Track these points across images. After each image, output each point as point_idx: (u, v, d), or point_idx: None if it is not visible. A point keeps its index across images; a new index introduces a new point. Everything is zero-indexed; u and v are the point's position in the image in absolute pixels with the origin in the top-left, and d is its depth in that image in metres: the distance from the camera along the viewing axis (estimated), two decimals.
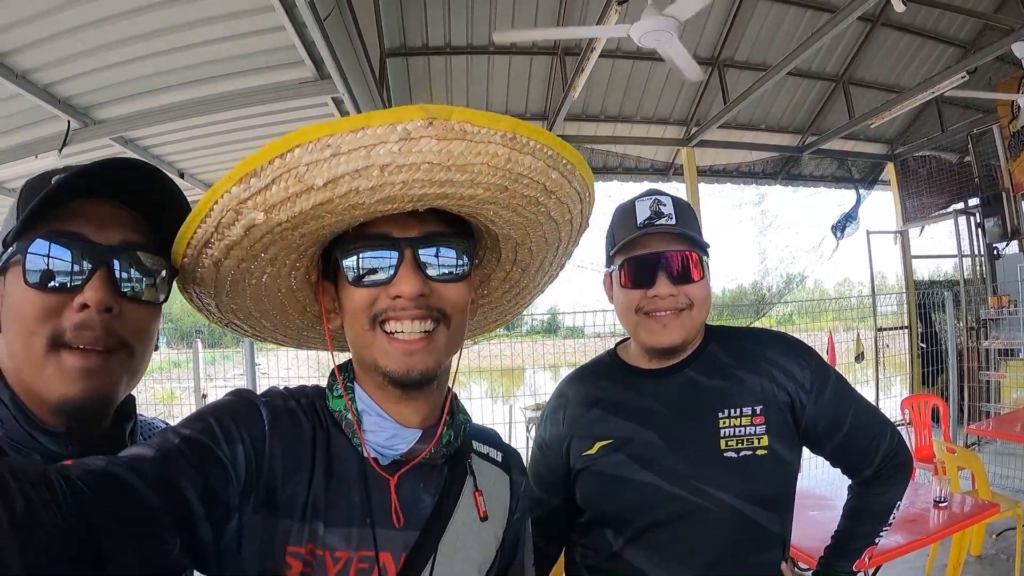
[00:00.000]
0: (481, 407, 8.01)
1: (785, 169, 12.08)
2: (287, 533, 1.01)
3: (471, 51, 8.16)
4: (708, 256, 1.75)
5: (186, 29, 4.56)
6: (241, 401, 1.08)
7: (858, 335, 10.98)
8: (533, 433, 7.74)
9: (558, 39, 6.99)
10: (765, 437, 1.67)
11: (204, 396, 8.66)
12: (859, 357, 10.74)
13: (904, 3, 5.89)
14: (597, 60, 6.62)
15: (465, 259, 1.10)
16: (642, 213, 1.71)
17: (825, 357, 10.06)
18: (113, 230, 1.06)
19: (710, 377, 1.76)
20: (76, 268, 1.02)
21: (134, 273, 1.07)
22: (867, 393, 10.09)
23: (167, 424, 1.14)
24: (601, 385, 1.86)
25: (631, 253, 1.70)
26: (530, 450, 1.97)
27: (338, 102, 5.68)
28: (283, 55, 4.93)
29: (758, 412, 1.70)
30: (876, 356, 10.79)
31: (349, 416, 1.12)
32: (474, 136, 0.84)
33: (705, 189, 11.26)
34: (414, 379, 1.06)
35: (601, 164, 10.68)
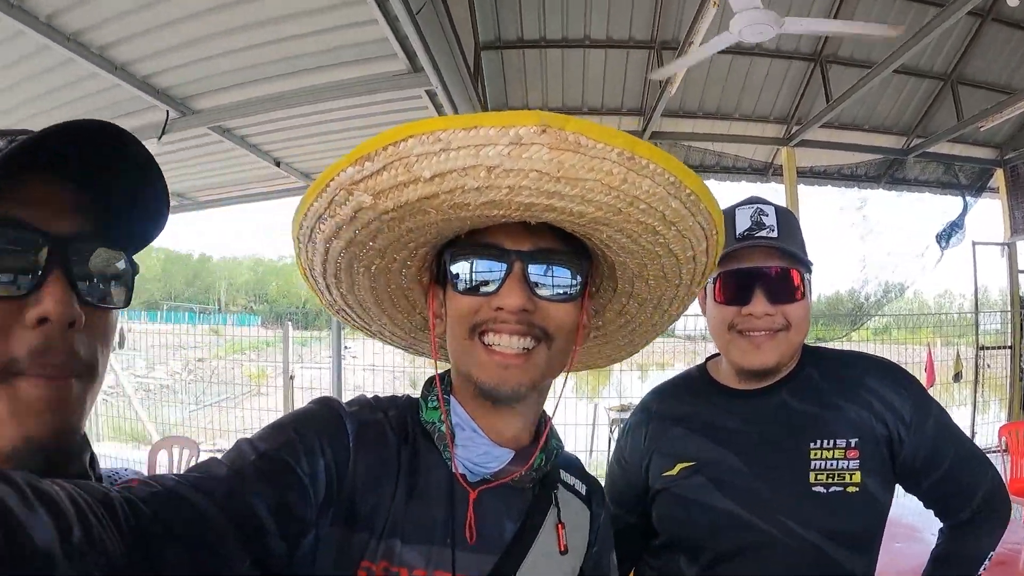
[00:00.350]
0: (564, 406, 7.90)
1: (889, 172, 11.40)
2: (363, 548, 1.00)
3: (566, 44, 8.07)
4: (811, 274, 1.64)
5: (280, 22, 4.66)
6: (326, 412, 1.07)
7: (958, 353, 10.47)
8: (616, 435, 7.69)
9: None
10: (858, 473, 1.56)
11: (292, 377, 8.83)
12: (957, 376, 10.25)
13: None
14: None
15: (577, 280, 1.07)
16: (742, 223, 1.62)
17: (923, 374, 9.73)
18: (68, 217, 0.83)
19: (804, 402, 1.65)
20: (23, 266, 0.78)
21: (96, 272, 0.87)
22: (963, 415, 9.68)
23: (137, 473, 1.02)
24: (687, 402, 1.78)
25: (727, 267, 1.61)
26: (608, 462, 1.88)
27: (432, 95, 5.70)
28: (376, 48, 4.96)
29: (852, 445, 1.58)
30: (975, 376, 10.25)
31: (443, 428, 1.11)
32: (588, 150, 0.81)
33: (804, 191, 10.90)
34: (504, 394, 1.05)
35: (698, 162, 10.41)
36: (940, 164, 11.42)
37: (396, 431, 1.11)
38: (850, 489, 1.55)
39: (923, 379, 9.58)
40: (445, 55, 5.05)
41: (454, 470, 1.09)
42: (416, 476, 1.09)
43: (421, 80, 5.22)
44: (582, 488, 1.31)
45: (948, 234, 11.30)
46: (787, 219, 1.64)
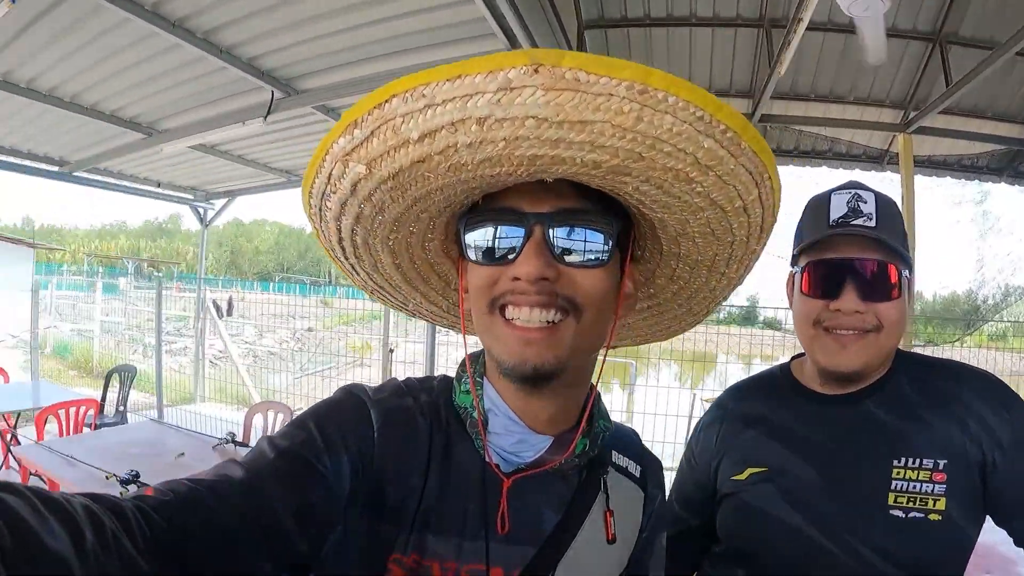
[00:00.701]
0: (668, 396, 7.74)
1: (1013, 165, 10.66)
2: (392, 541, 0.98)
3: (671, 22, 7.83)
4: (910, 271, 1.51)
5: (379, 3, 4.79)
6: (349, 403, 1.04)
7: None
8: None
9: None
10: (943, 499, 1.41)
11: (391, 350, 8.97)
12: None
13: None
14: (806, 34, 6.16)
15: (608, 243, 0.97)
16: (837, 209, 1.49)
17: None
18: None
19: (891, 414, 1.52)
20: None
21: None
22: None
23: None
24: (765, 403, 1.69)
25: (817, 256, 1.50)
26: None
27: None
28: (474, 27, 5.00)
29: (940, 467, 1.43)
30: None
31: (475, 415, 1.05)
32: (590, 87, 0.72)
33: (921, 182, 10.29)
34: (527, 373, 0.96)
35: (810, 148, 10.02)
36: None
37: (428, 417, 1.07)
38: (932, 516, 1.41)
39: None
40: (546, 34, 5.04)
41: (487, 459, 1.04)
42: (449, 464, 1.04)
43: None
44: (636, 469, 1.24)
45: None
46: (888, 208, 1.51)
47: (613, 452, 1.21)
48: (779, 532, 1.50)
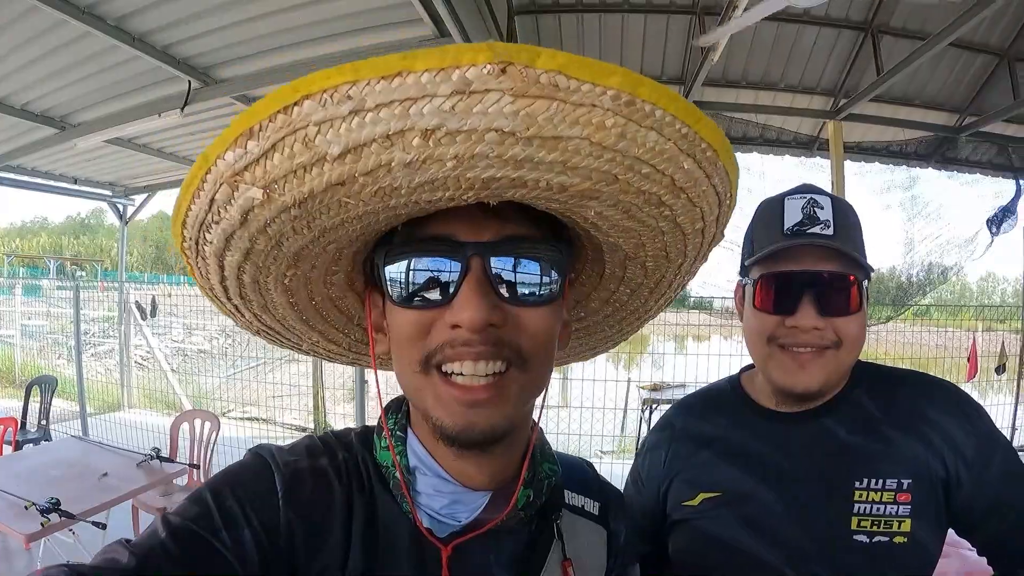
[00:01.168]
0: (604, 386, 7.68)
1: (939, 151, 10.99)
2: None
3: (604, 8, 7.78)
4: (870, 281, 1.41)
5: None
6: (252, 469, 0.89)
7: (1003, 344, 10.11)
8: (647, 416, 7.51)
9: None
10: (908, 520, 1.34)
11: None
12: (1000, 369, 9.88)
13: None
14: (740, 21, 6.10)
15: (556, 276, 0.83)
16: (791, 216, 1.38)
17: (966, 364, 9.58)
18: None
19: (852, 432, 1.43)
20: None
21: None
22: (1004, 410, 9.37)
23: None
24: (716, 422, 1.58)
25: (771, 268, 1.39)
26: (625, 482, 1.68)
27: None
28: (400, 12, 4.85)
29: (905, 487, 1.36)
30: (1020, 367, 9.93)
31: (397, 475, 0.90)
32: (570, 95, 0.57)
33: (851, 168, 10.56)
34: (475, 439, 0.82)
35: (741, 134, 10.13)
36: (994, 144, 10.98)
37: (347, 478, 0.92)
38: (897, 539, 1.34)
39: (965, 369, 9.32)
40: (475, 20, 4.92)
41: (417, 524, 0.89)
42: (374, 532, 0.89)
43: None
44: (594, 506, 1.11)
45: (1000, 219, 10.95)
46: (845, 213, 1.41)
47: (566, 492, 1.08)
48: (737, 560, 1.40)
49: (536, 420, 1.00)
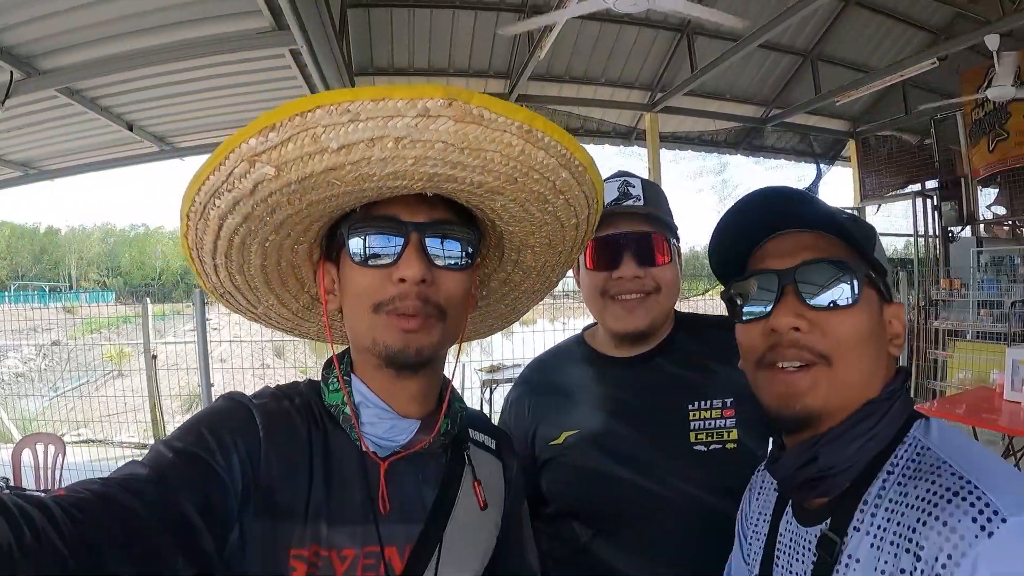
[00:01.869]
0: (447, 369, 7.79)
1: (747, 140, 12.19)
2: (289, 536, 1.01)
3: (436, 4, 7.96)
4: (678, 240, 1.70)
5: None
6: (233, 407, 1.07)
7: None
8: (488, 396, 7.73)
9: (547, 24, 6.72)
10: (735, 431, 1.62)
11: (154, 356, 8.43)
12: None
13: None
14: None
15: (469, 250, 1.10)
16: (610, 194, 1.65)
17: None
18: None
19: (680, 367, 1.70)
20: None
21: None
22: None
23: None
24: (567, 372, 1.81)
25: (598, 234, 1.58)
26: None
27: (296, 55, 5.56)
28: (238, 3, 4.76)
29: (728, 404, 1.64)
30: None
31: (347, 410, 1.11)
32: (491, 123, 0.86)
33: (667, 155, 11.36)
34: (410, 357, 1.05)
35: (563, 125, 10.35)
36: (796, 133, 12.40)
37: (303, 417, 1.11)
38: (728, 446, 1.61)
39: None
40: (311, 12, 4.86)
41: (364, 448, 1.10)
42: (329, 458, 1.09)
43: (286, 39, 5.07)
44: (491, 443, 1.34)
45: None
46: (653, 190, 1.70)
47: (470, 430, 1.30)
48: (603, 483, 1.62)
49: (450, 378, 1.26)
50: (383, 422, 1.12)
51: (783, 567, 1.12)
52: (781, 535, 1.15)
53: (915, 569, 0.83)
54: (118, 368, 12.42)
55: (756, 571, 1.20)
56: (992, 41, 7.34)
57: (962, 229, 11.40)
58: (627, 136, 11.18)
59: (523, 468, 1.59)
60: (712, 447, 1.61)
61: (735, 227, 1.14)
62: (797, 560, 1.08)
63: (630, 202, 1.64)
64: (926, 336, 10.23)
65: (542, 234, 1.15)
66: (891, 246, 14.95)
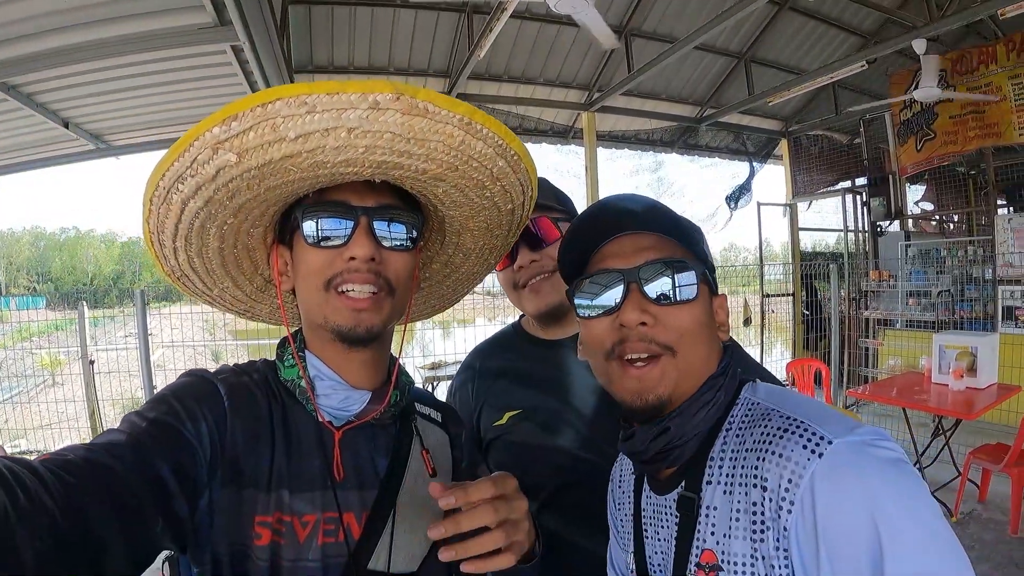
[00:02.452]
0: None
1: (683, 139, 12.51)
2: (254, 504, 1.07)
3: (377, 3, 7.98)
4: (567, 219, 1.81)
5: None
6: (199, 381, 1.14)
7: (746, 300, 11.55)
8: (431, 391, 7.81)
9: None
10: None
11: (92, 362, 8.22)
12: (747, 321, 11.33)
13: None
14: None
15: (414, 233, 1.19)
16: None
17: None
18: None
19: None
20: None
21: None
22: (752, 353, 10.70)
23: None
24: (506, 357, 1.95)
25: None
26: None
27: (238, 51, 5.49)
28: None
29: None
30: (762, 321, 11.39)
31: (303, 384, 1.19)
32: (435, 116, 0.95)
33: (603, 154, 11.57)
34: (360, 334, 1.15)
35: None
36: (730, 133, 12.85)
37: (263, 391, 1.19)
38: None
39: None
40: (254, 8, 4.86)
41: (320, 419, 1.18)
42: (288, 429, 1.17)
43: (228, 34, 5.00)
44: (437, 416, 1.44)
45: (737, 196, 12.68)
46: (541, 183, 1.81)
47: (416, 404, 1.40)
48: (545, 457, 1.74)
49: (399, 353, 1.37)
50: (337, 393, 1.20)
51: (651, 536, 1.22)
52: (644, 509, 1.26)
53: (763, 499, 0.95)
54: (52, 376, 11.99)
55: (631, 549, 1.29)
56: (919, 45, 7.91)
57: (890, 224, 11.91)
58: (564, 135, 11.31)
59: (471, 436, 1.70)
60: None
61: (583, 231, 1.22)
62: (663, 527, 1.18)
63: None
64: (857, 325, 10.76)
65: (480, 218, 1.26)
66: (823, 241, 15.43)
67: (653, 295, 1.12)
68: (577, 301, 1.20)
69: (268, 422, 1.15)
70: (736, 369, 1.18)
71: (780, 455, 0.95)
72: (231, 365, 1.24)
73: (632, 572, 1.27)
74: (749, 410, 1.10)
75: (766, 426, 1.01)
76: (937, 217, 13.05)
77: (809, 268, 11.97)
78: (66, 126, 7.18)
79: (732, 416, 1.11)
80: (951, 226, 13.43)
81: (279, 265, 1.23)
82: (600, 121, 10.94)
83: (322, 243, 1.12)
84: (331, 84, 0.88)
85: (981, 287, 9.75)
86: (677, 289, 1.12)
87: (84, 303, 8.55)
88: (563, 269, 1.28)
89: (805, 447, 0.93)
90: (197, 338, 9.60)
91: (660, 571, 1.18)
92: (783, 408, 1.03)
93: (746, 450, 1.02)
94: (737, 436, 1.07)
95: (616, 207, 1.20)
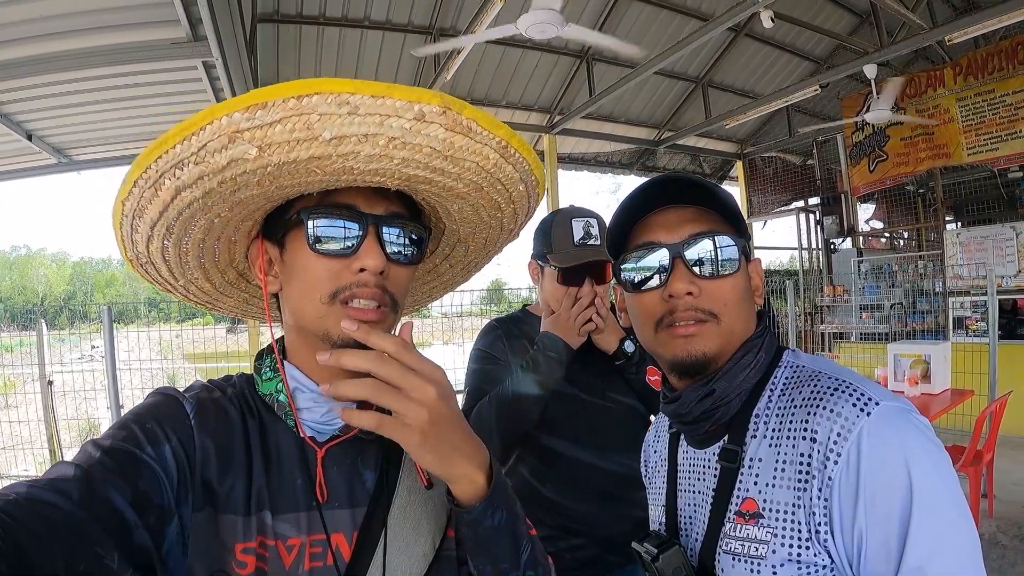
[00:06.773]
0: None
1: (641, 161, 12.85)
2: (233, 529, 1.00)
3: (346, 23, 8.05)
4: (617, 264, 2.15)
5: None
6: (163, 400, 1.06)
7: None
8: None
9: (459, 47, 6.90)
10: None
11: (50, 382, 7.95)
12: None
13: (772, 20, 6.49)
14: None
15: (420, 246, 1.10)
16: (577, 232, 2.22)
17: None
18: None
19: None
20: None
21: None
22: None
23: None
24: (523, 329, 2.39)
25: (569, 263, 2.18)
26: (470, 371, 2.37)
27: (209, 67, 5.49)
28: (155, 12, 4.66)
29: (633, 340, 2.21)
30: None
31: (283, 397, 1.11)
32: (476, 135, 0.89)
33: (564, 175, 11.78)
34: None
35: None
36: (687, 155, 13.28)
37: (236, 407, 1.11)
38: (651, 363, 2.21)
39: None
40: (227, 24, 4.86)
41: (301, 435, 1.10)
42: (268, 446, 1.09)
43: (201, 50, 4.97)
44: None
45: None
46: (604, 227, 2.23)
47: None
48: (562, 401, 2.20)
49: None
50: (319, 407, 1.10)
51: (685, 490, 1.30)
52: (680, 464, 1.33)
53: (812, 450, 1.03)
54: (5, 399, 11.57)
55: (662, 503, 1.36)
56: (870, 70, 8.52)
57: (843, 241, 12.45)
58: None
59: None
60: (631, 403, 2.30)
61: (635, 206, 1.26)
62: (699, 479, 1.25)
63: (592, 241, 2.20)
64: (813, 339, 11.21)
65: (482, 235, 1.20)
66: (777, 259, 15.75)
67: (698, 269, 1.18)
68: (625, 275, 1.26)
69: (242, 440, 1.07)
70: (772, 332, 1.26)
71: (831, 410, 1.03)
72: (204, 381, 1.16)
73: (661, 525, 1.35)
74: (795, 371, 1.18)
75: (815, 385, 1.09)
76: (887, 234, 13.65)
77: (765, 286, 12.15)
78: (29, 138, 7.04)
79: (775, 378, 1.19)
80: (901, 242, 14.05)
81: (263, 263, 1.12)
82: (561, 143, 11.21)
83: (327, 250, 1.02)
84: (376, 86, 0.80)
85: (932, 299, 10.18)
86: (720, 263, 1.19)
87: (44, 321, 8.25)
88: (611, 241, 1.32)
89: (855, 405, 1.01)
90: (154, 355, 9.28)
91: (690, 522, 1.26)
92: (830, 372, 1.12)
93: (795, 406, 1.10)
94: (783, 394, 1.15)
95: (658, 180, 1.24)
